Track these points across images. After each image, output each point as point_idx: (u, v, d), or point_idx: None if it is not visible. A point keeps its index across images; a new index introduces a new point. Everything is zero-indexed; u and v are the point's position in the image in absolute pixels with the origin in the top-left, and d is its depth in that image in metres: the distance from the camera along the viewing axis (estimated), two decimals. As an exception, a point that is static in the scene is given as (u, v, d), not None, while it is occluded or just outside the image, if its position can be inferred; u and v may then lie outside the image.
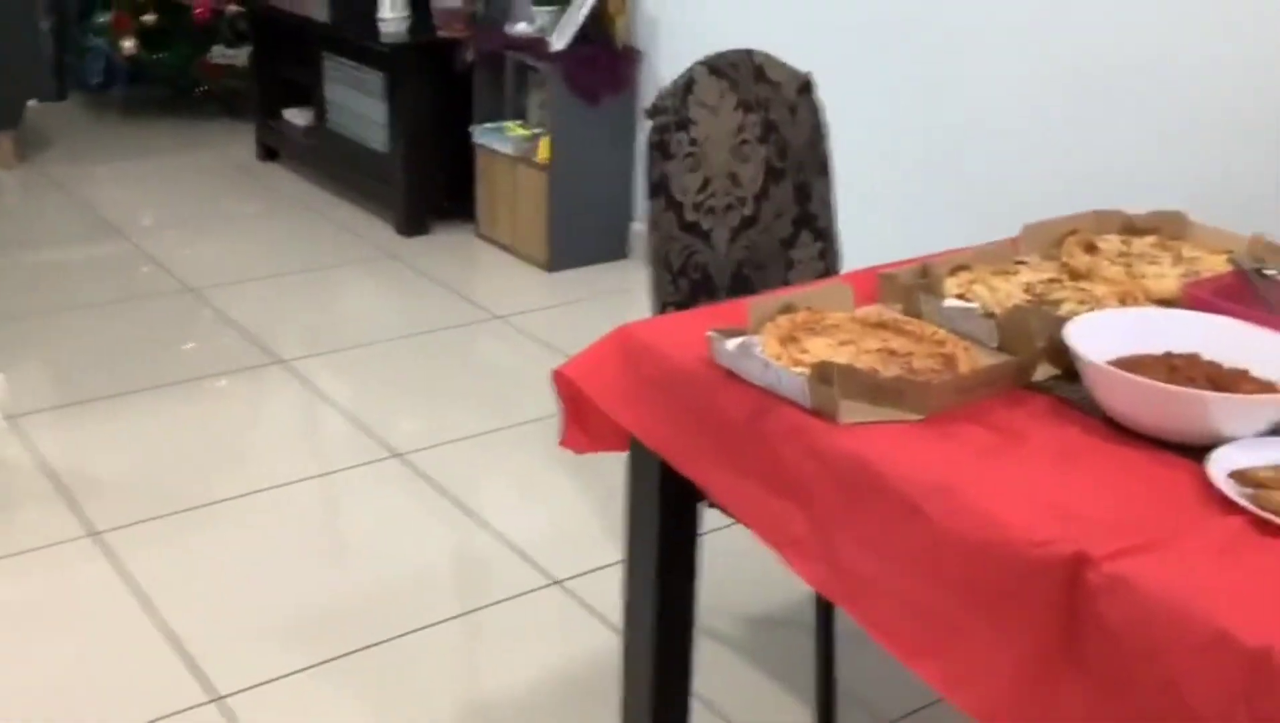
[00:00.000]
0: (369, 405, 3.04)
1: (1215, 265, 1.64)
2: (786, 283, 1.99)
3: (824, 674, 1.92)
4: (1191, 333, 1.38)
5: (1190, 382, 1.27)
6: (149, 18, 4.99)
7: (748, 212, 1.95)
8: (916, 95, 3.10)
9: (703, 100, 1.89)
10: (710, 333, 1.40)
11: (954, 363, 1.39)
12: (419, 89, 4.13)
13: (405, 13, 4.17)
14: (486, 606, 2.29)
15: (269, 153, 4.92)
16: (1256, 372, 1.31)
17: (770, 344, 1.38)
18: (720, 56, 1.94)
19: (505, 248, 4.08)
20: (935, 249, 1.72)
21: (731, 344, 1.38)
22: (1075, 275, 1.63)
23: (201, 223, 4.28)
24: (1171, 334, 1.38)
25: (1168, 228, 1.78)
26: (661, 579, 1.55)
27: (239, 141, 5.03)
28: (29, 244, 4.01)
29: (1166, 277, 1.62)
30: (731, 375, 1.38)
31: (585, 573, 2.38)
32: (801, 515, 1.29)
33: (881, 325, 1.49)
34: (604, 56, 3.82)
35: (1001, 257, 1.69)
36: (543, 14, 3.86)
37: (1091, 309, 1.47)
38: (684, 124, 1.86)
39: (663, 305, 1.84)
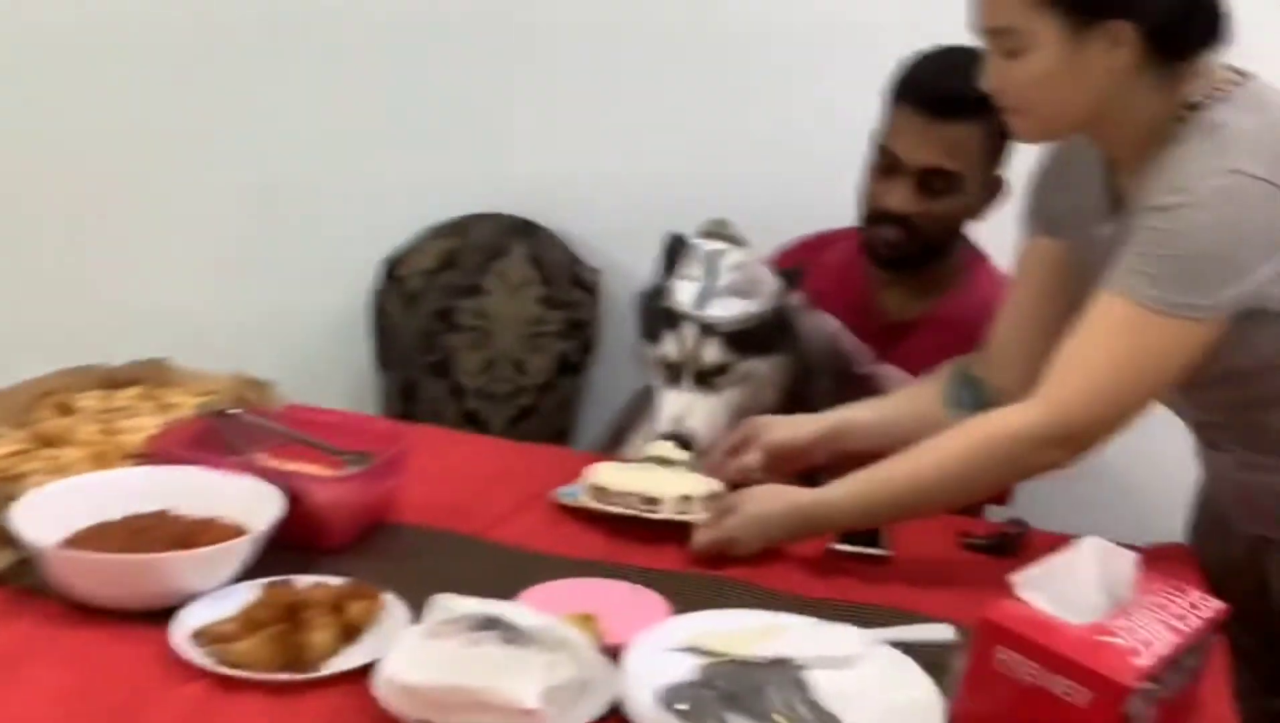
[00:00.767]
0: None
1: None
2: None
3: None
4: (158, 489, 1.33)
5: (151, 545, 1.21)
6: None
7: None
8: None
9: None
10: None
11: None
12: None
13: None
14: None
15: None
16: (225, 518, 1.29)
17: None
18: None
19: None
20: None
21: None
22: (48, 441, 1.50)
23: None
24: (138, 494, 1.31)
25: (150, 376, 1.73)
26: None
27: None
28: None
29: (147, 430, 1.55)
30: None
31: None
32: None
33: None
34: None
35: (-39, 433, 1.50)
36: None
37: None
38: None
39: None
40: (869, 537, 1.47)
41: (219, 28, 2.47)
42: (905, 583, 1.38)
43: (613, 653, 1.13)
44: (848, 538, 1.46)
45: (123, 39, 2.50)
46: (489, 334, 2.38)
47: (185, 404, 1.65)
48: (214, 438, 1.46)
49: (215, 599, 1.19)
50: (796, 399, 1.69)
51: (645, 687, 1.08)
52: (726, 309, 1.61)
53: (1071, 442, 1.31)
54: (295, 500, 1.31)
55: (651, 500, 1.45)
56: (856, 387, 1.90)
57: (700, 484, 1.49)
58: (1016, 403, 1.33)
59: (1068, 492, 1.76)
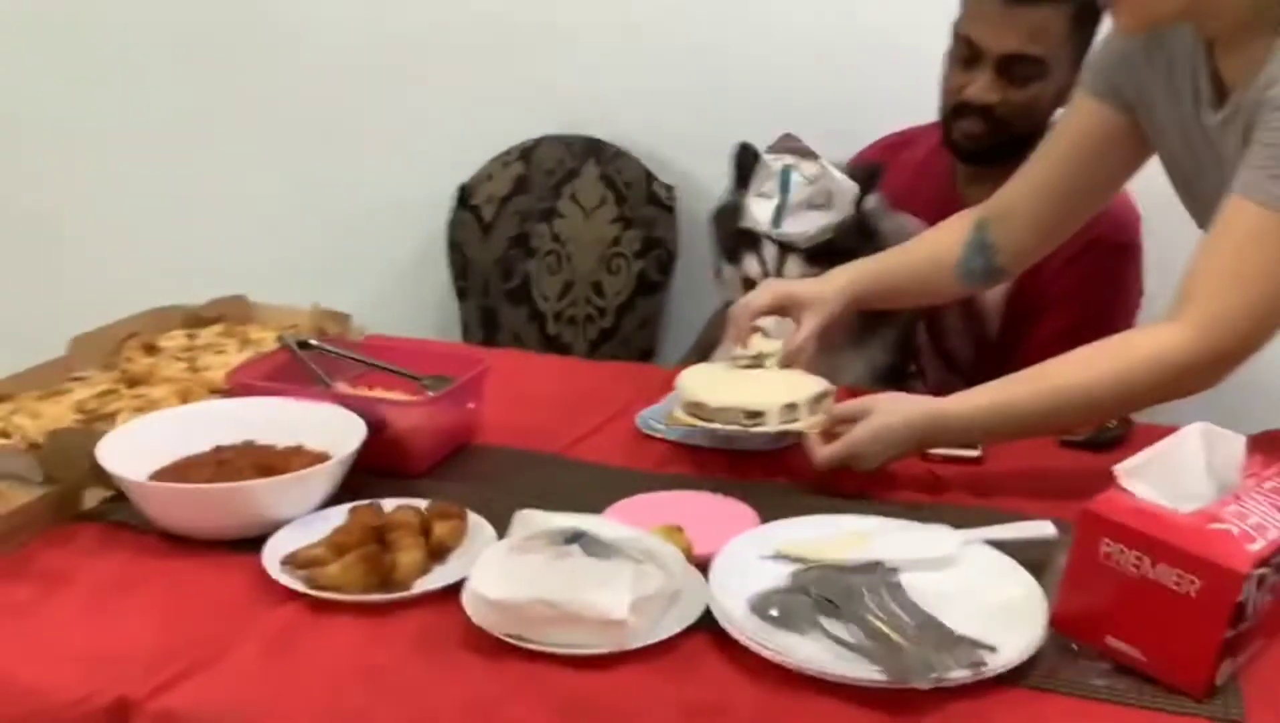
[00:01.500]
0: None
1: (281, 343, 1.63)
2: None
3: None
4: (242, 421, 1.33)
5: (237, 473, 1.21)
6: None
7: None
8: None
9: None
10: None
11: (-17, 512, 1.20)
12: None
13: None
14: None
15: None
16: (310, 446, 1.29)
17: None
18: None
19: None
20: None
21: None
22: (134, 382, 1.52)
23: None
24: (223, 426, 1.32)
25: (231, 313, 1.74)
26: None
27: None
28: None
29: (231, 365, 1.57)
30: None
31: None
32: None
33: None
34: None
35: (51, 377, 1.52)
36: None
37: (151, 415, 1.37)
38: None
39: None
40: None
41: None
42: (1002, 483, 1.34)
43: (702, 564, 1.11)
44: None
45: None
46: (566, 257, 2.36)
47: (267, 339, 1.66)
48: (295, 369, 1.46)
49: (304, 525, 1.19)
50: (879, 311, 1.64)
51: (736, 595, 1.06)
52: (803, 224, 1.57)
53: (1227, 362, 1.24)
54: (378, 426, 1.31)
55: (754, 414, 1.34)
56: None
57: (802, 385, 1.38)
58: (1166, 323, 1.25)
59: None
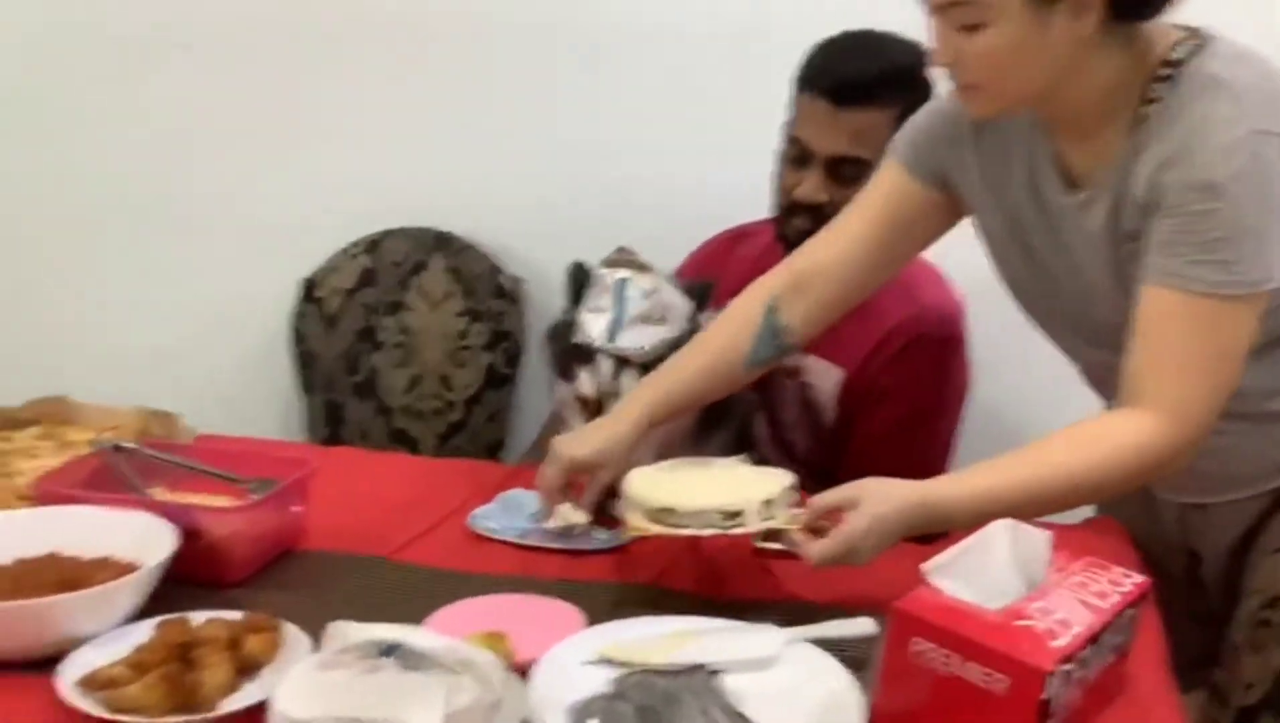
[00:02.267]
0: None
1: (101, 445, 1.56)
2: None
3: None
4: (47, 530, 1.27)
5: (37, 588, 1.15)
6: None
7: None
8: None
9: None
10: None
11: None
12: None
13: None
14: None
15: None
16: (119, 556, 1.24)
17: None
18: None
19: None
20: None
21: None
22: (-63, 489, 1.44)
23: None
24: (25, 536, 1.26)
25: (50, 414, 1.67)
26: None
27: None
28: None
29: (44, 470, 1.50)
30: None
31: None
32: None
33: None
34: None
35: None
36: None
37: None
38: None
39: None
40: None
41: (117, 44, 2.41)
42: (830, 577, 1.34)
43: (525, 670, 1.08)
44: (771, 535, 1.43)
45: (20, 67, 2.44)
46: (413, 350, 2.33)
47: (85, 441, 1.59)
48: (110, 474, 1.40)
49: (106, 643, 1.13)
50: (724, 404, 1.64)
51: (555, 704, 1.04)
52: (640, 338, 1.54)
53: (1193, 446, 1.26)
54: (192, 534, 1.26)
55: (733, 514, 1.25)
56: (783, 379, 1.88)
57: (766, 479, 1.32)
58: (1133, 411, 1.26)
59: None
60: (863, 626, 1.17)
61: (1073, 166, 1.36)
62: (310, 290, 2.35)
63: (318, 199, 2.41)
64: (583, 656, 1.12)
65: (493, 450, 2.35)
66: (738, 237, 1.99)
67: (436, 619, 1.19)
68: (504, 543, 1.43)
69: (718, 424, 1.66)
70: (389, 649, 1.03)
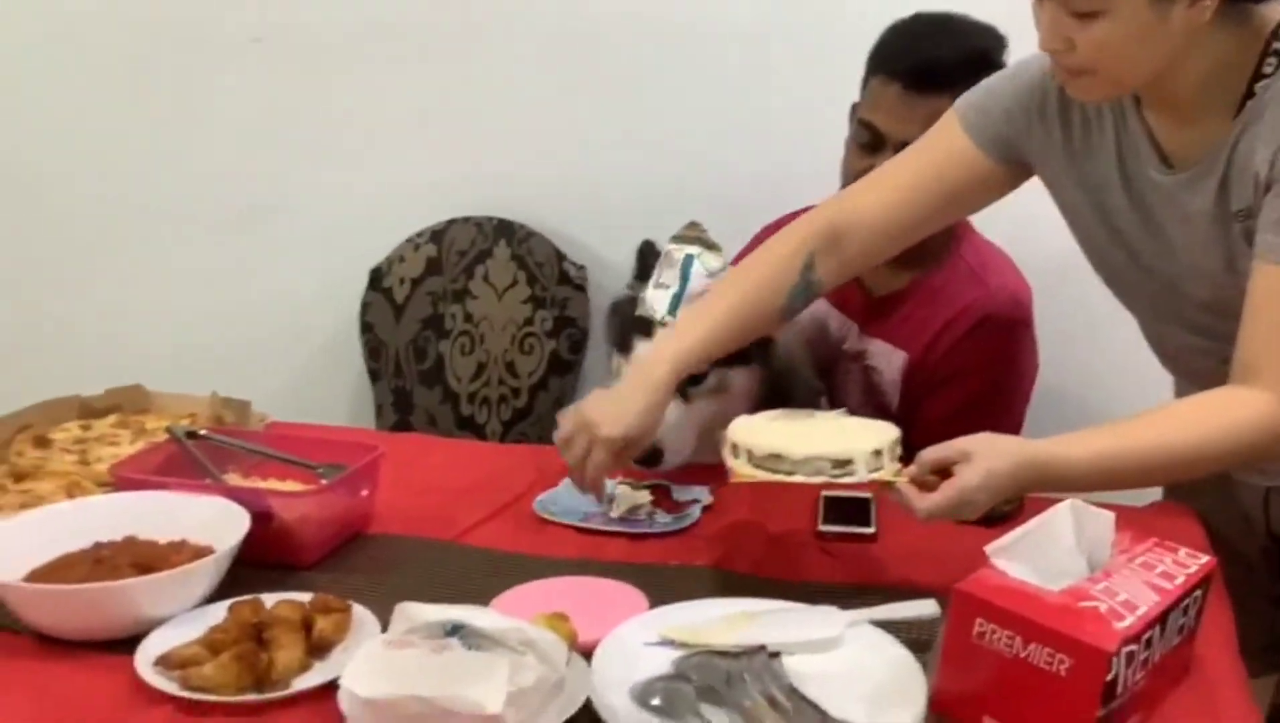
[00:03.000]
0: None
1: (177, 433, 1.60)
2: None
3: None
4: (124, 516, 1.30)
5: (115, 571, 1.19)
6: None
7: None
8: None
9: None
10: None
11: None
12: None
13: None
14: None
15: None
16: (194, 540, 1.27)
17: None
18: None
19: None
20: None
21: None
22: (20, 476, 1.49)
23: None
24: (104, 522, 1.29)
25: (127, 403, 1.72)
26: None
27: None
28: None
29: (123, 457, 1.54)
30: None
31: None
32: None
33: None
34: None
35: (-66, 473, 1.49)
36: None
37: (36, 511, 1.34)
38: None
39: None
40: (858, 515, 1.44)
41: (186, 45, 2.46)
42: (893, 560, 1.35)
43: (588, 651, 1.10)
44: (833, 518, 1.43)
45: (85, 58, 2.49)
46: (479, 338, 2.36)
47: (161, 429, 1.63)
48: (185, 461, 1.44)
49: (182, 623, 1.16)
50: (780, 394, 1.64)
51: (618, 684, 1.05)
52: None
53: None
54: (265, 518, 1.29)
55: (842, 462, 1.20)
56: (847, 364, 1.88)
57: (876, 431, 1.27)
58: (1249, 389, 1.24)
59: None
60: (925, 607, 1.17)
61: (1170, 145, 1.33)
62: (377, 280, 2.39)
63: (382, 190, 2.45)
64: (645, 637, 1.13)
65: (558, 436, 2.37)
66: (800, 221, 1.99)
67: (501, 601, 1.21)
68: (568, 527, 1.44)
69: (779, 404, 1.66)
70: (454, 630, 1.05)
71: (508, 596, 1.23)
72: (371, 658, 1.04)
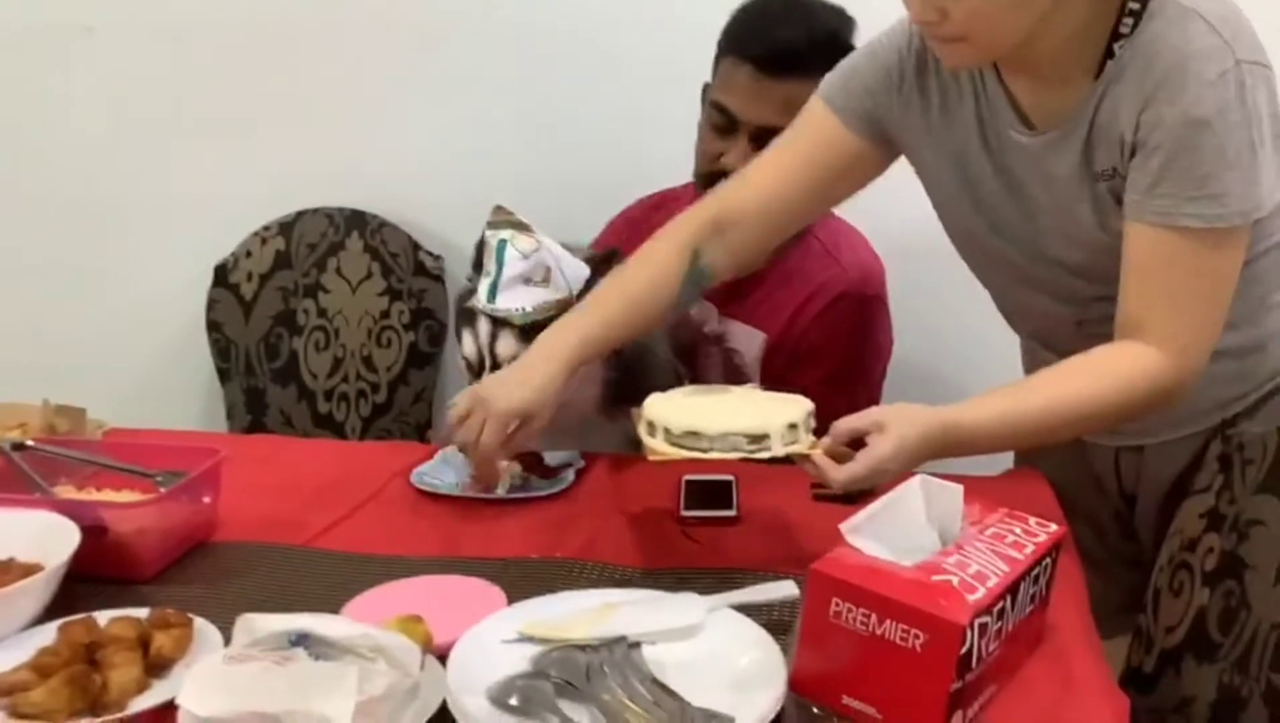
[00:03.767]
0: None
1: (9, 444, 1.51)
2: None
3: None
4: (-55, 536, 1.22)
5: (-71, 596, 1.11)
6: None
7: None
8: None
9: None
10: None
11: None
12: None
13: None
14: None
15: None
16: (22, 558, 1.20)
17: None
18: None
19: None
20: None
21: None
22: None
23: None
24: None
25: (-49, 415, 1.61)
26: None
27: None
28: None
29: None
30: None
31: None
32: None
33: None
34: None
35: None
36: None
37: None
38: None
39: None
40: (719, 497, 1.43)
41: (12, 35, 2.33)
42: (755, 542, 1.35)
43: (444, 653, 1.06)
44: (695, 502, 1.42)
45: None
46: (333, 333, 2.29)
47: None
48: (11, 474, 1.36)
49: (9, 647, 1.09)
50: (634, 376, 1.63)
51: (474, 685, 1.02)
52: (519, 300, 1.50)
53: (1196, 378, 1.29)
54: (99, 531, 1.23)
55: (758, 437, 1.21)
56: (708, 346, 1.87)
57: (787, 404, 1.28)
58: (1137, 344, 1.28)
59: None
60: (784, 589, 1.17)
61: (1031, 108, 1.35)
62: (223, 276, 2.30)
63: (226, 182, 2.36)
64: (502, 634, 1.10)
65: (421, 431, 2.33)
66: (657, 204, 1.97)
67: (353, 607, 1.17)
68: (424, 521, 1.41)
69: (628, 402, 1.64)
70: (299, 639, 1.00)
71: (360, 600, 1.19)
72: (210, 674, 0.98)
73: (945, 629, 0.94)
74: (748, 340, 1.82)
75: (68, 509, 1.24)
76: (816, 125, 1.48)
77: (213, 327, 2.31)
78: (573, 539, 1.35)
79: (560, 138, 2.26)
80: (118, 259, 2.42)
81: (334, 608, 1.15)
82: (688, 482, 1.48)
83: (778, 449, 1.21)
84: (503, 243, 1.50)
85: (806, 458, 1.22)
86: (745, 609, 1.14)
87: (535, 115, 2.26)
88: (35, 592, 1.13)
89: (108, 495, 1.36)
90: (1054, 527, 1.11)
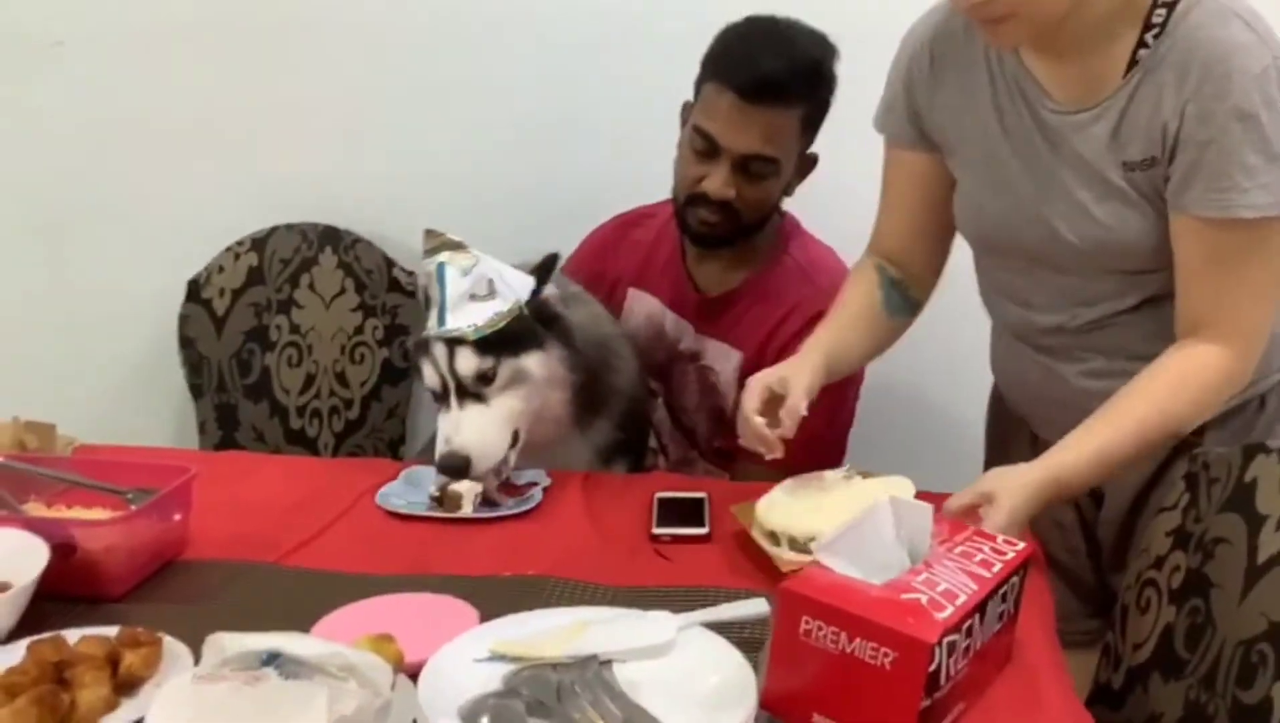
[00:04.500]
0: None
1: None
2: None
3: None
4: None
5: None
6: None
7: None
8: None
9: None
10: None
11: None
12: None
13: None
14: None
15: None
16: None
17: None
18: None
19: None
20: None
21: None
22: None
23: None
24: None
25: (-81, 431, 1.60)
26: None
27: None
28: None
29: (-90, 489, 1.44)
30: None
31: None
32: None
33: None
34: None
35: None
36: None
37: None
38: None
39: None
40: (691, 515, 1.44)
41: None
42: (727, 560, 1.35)
43: (415, 672, 1.06)
44: (667, 520, 1.42)
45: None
46: (306, 349, 2.29)
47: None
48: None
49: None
50: (600, 384, 1.63)
51: (446, 704, 1.02)
52: (470, 316, 1.49)
53: (1255, 365, 1.35)
54: (68, 549, 1.22)
55: None
56: (684, 364, 1.88)
57: (894, 488, 1.32)
58: (1203, 345, 1.33)
59: (898, 444, 1.77)
60: (756, 607, 1.17)
61: (1052, 85, 1.37)
62: (195, 291, 2.29)
63: (199, 197, 2.36)
64: (474, 653, 1.10)
65: (394, 447, 2.32)
66: (631, 222, 1.98)
67: (324, 625, 1.17)
68: (397, 538, 1.41)
69: (596, 412, 1.65)
70: (269, 659, 1.00)
71: (331, 619, 1.18)
72: (179, 694, 0.98)
73: (914, 647, 0.94)
74: (724, 359, 1.83)
75: (37, 527, 1.23)
76: (895, 165, 1.56)
77: (185, 342, 2.30)
78: (544, 557, 1.35)
79: (535, 155, 2.26)
80: (89, 274, 2.41)
81: (304, 627, 1.15)
82: (660, 500, 1.48)
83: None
84: (441, 266, 1.50)
85: None
86: (717, 627, 1.14)
87: (510, 132, 2.27)
88: (3, 610, 1.13)
89: (78, 513, 1.35)
90: (1021, 545, 1.12)
